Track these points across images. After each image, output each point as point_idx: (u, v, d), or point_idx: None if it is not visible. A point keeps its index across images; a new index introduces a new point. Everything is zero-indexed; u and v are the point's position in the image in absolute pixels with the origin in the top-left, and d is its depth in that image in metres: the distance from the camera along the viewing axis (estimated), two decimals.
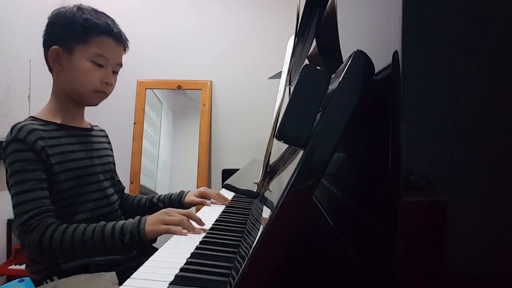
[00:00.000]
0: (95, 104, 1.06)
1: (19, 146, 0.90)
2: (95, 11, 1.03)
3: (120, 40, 1.04)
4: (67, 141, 0.99)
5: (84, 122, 1.11)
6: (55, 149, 0.95)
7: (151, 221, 0.86)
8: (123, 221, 0.89)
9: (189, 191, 1.25)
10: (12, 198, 0.89)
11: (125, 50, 1.08)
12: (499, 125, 0.35)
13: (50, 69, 1.04)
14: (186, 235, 0.84)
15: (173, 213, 0.88)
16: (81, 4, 1.02)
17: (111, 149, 1.20)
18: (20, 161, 0.90)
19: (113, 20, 1.04)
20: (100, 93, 1.03)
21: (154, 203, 1.23)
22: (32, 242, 0.85)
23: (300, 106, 0.45)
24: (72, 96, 1.03)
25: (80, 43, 0.98)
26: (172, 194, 1.24)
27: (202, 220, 0.90)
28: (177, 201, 1.22)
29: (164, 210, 0.92)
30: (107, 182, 1.08)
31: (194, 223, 0.88)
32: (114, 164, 1.18)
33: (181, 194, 1.24)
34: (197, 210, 1.07)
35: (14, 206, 0.89)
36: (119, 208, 1.12)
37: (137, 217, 0.89)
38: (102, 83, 1.02)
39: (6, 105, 2.05)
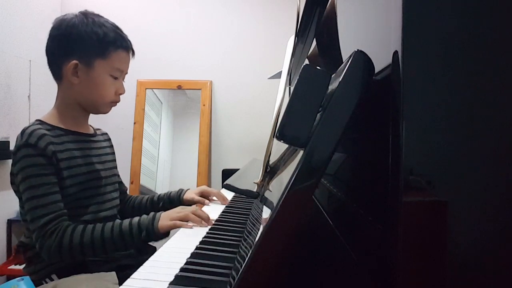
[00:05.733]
0: (107, 113, 1.08)
1: (31, 151, 0.91)
2: (107, 21, 1.03)
3: (131, 51, 1.07)
4: (72, 147, 1.00)
5: (88, 127, 1.12)
6: (63, 155, 0.96)
7: (163, 217, 0.93)
8: (139, 217, 0.94)
9: (188, 189, 1.26)
10: (25, 203, 0.90)
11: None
12: (499, 125, 0.35)
13: (58, 78, 1.03)
14: (191, 227, 0.89)
15: (181, 210, 0.95)
16: (86, 10, 1.02)
17: (113, 153, 1.20)
18: (33, 166, 0.90)
19: (120, 29, 1.05)
20: (113, 103, 1.07)
21: (154, 202, 1.25)
22: (51, 246, 0.87)
23: (300, 106, 0.45)
24: (86, 106, 1.05)
25: (99, 58, 1.00)
26: (171, 192, 1.26)
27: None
28: (176, 198, 1.24)
29: (175, 208, 0.98)
30: (109, 187, 1.09)
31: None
32: (115, 168, 1.19)
33: (180, 191, 1.25)
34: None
35: (28, 210, 0.90)
36: (117, 213, 1.13)
37: (152, 213, 0.94)
38: (117, 95, 1.06)
39: (6, 105, 2.05)
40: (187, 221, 0.91)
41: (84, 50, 0.99)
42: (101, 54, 1.00)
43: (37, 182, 0.90)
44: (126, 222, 0.92)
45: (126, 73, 1.09)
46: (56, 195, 0.91)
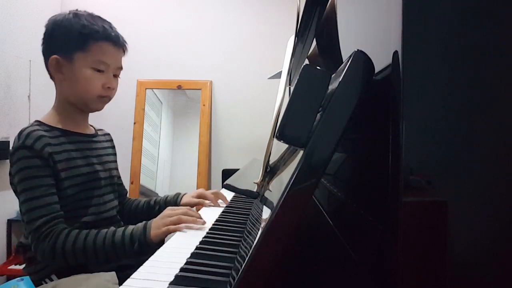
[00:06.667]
0: (100, 109, 1.06)
1: (27, 153, 0.90)
2: (91, 16, 1.02)
3: (118, 44, 1.03)
4: (71, 148, 1.00)
5: (88, 127, 1.11)
6: (61, 156, 0.96)
7: (154, 226, 0.89)
8: (132, 227, 0.91)
9: (186, 193, 1.25)
10: (21, 205, 0.90)
11: (124, 52, 1.07)
12: (499, 125, 0.35)
13: (52, 78, 1.03)
14: (185, 230, 0.87)
15: (172, 213, 0.91)
16: (77, 10, 1.02)
17: (115, 154, 1.20)
18: (29, 168, 0.90)
19: (109, 24, 1.04)
20: (103, 98, 1.04)
21: (151, 206, 1.24)
22: (46, 248, 0.87)
23: (300, 106, 0.45)
24: (76, 103, 1.03)
25: (79, 51, 0.98)
26: (168, 196, 1.25)
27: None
28: (172, 203, 1.22)
29: (164, 212, 0.94)
30: (108, 188, 1.08)
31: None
32: (116, 169, 1.18)
33: (177, 196, 1.24)
34: (197, 211, 1.08)
35: (24, 212, 0.89)
36: (117, 214, 1.12)
37: (144, 223, 0.91)
38: (104, 88, 1.02)
39: (6, 105, 2.05)
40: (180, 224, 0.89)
41: (64, 45, 0.98)
42: (81, 47, 0.98)
43: (33, 184, 0.90)
44: (120, 231, 0.90)
45: (120, 68, 1.06)
46: (52, 197, 0.91)
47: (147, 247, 0.88)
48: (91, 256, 0.89)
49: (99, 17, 1.03)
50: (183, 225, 0.88)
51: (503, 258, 0.35)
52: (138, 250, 0.88)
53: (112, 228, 0.93)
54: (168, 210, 0.94)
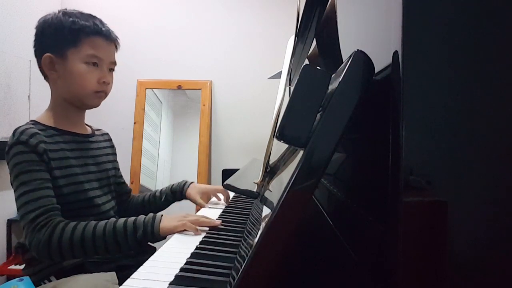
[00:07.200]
0: (97, 105, 1.06)
1: (22, 148, 0.90)
2: (81, 13, 1.02)
3: (110, 38, 1.04)
4: (65, 147, 1.00)
5: (84, 127, 1.10)
6: (55, 154, 0.95)
7: (166, 218, 0.88)
8: (134, 217, 0.90)
9: (192, 182, 1.26)
10: (17, 199, 0.89)
11: (116, 48, 1.08)
12: (499, 125, 0.35)
13: (46, 77, 1.03)
14: (200, 234, 0.85)
15: (189, 214, 0.92)
16: (65, 9, 1.02)
17: (114, 153, 1.19)
18: (24, 162, 0.90)
19: (100, 20, 1.04)
20: (100, 93, 1.03)
21: (156, 196, 1.25)
22: (40, 240, 0.84)
23: (300, 106, 0.45)
24: (72, 101, 1.03)
25: (71, 47, 0.98)
26: (173, 184, 1.25)
27: None
28: (178, 191, 1.23)
29: (178, 214, 0.93)
30: (103, 189, 1.08)
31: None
32: (116, 169, 1.18)
33: (183, 184, 1.24)
34: (197, 210, 1.08)
35: (20, 207, 0.88)
36: (115, 215, 1.11)
37: (151, 214, 0.90)
38: (100, 83, 1.02)
39: (6, 105, 2.05)
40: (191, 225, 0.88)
41: (56, 42, 0.98)
42: (73, 43, 0.98)
43: (28, 178, 0.89)
44: (122, 220, 0.89)
45: (114, 62, 1.06)
46: (47, 190, 0.90)
47: (151, 236, 0.86)
48: (89, 247, 0.85)
49: (89, 14, 1.04)
50: (199, 229, 0.87)
51: (503, 258, 0.35)
52: (141, 238, 0.86)
53: (114, 219, 0.91)
54: (184, 214, 0.94)
